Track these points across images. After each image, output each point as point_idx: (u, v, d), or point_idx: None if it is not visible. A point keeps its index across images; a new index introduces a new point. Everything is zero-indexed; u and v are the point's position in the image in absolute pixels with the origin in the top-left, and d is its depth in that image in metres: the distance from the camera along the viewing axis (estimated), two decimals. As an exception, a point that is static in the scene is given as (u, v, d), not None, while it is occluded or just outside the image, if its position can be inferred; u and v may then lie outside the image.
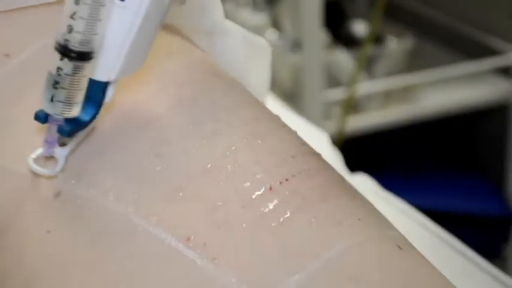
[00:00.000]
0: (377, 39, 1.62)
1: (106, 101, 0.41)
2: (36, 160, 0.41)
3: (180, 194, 0.40)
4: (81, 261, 0.40)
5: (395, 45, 1.65)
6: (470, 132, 1.76)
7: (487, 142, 1.72)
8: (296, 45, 1.56)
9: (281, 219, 0.39)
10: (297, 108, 1.42)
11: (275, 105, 0.62)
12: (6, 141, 0.43)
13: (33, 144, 0.42)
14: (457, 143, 1.79)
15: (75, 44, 0.39)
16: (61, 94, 0.39)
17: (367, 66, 1.61)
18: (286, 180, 0.41)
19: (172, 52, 0.48)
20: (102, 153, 0.42)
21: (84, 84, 0.40)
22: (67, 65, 0.39)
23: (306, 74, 1.53)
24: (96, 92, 0.41)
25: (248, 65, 0.54)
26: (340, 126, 1.54)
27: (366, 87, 1.58)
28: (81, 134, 0.42)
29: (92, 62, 0.39)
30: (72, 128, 0.41)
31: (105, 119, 0.43)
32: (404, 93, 1.61)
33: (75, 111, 0.40)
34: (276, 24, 1.65)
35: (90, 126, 0.42)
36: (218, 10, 0.51)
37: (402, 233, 0.43)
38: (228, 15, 0.51)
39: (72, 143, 0.42)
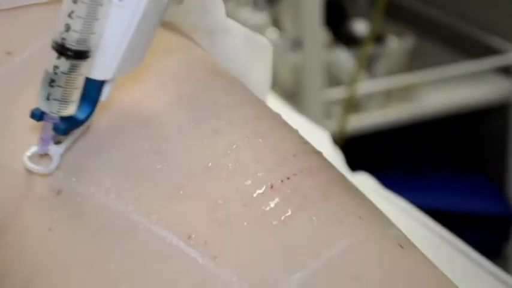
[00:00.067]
0: (377, 38, 1.62)
1: (102, 99, 0.41)
2: (31, 158, 0.41)
3: (181, 192, 0.40)
4: (82, 259, 0.40)
5: (396, 44, 1.65)
6: (471, 132, 1.76)
7: (488, 141, 1.72)
8: (296, 44, 1.56)
9: (282, 217, 0.39)
10: (298, 108, 1.42)
11: (276, 104, 0.62)
12: (5, 139, 0.43)
13: (32, 142, 0.42)
14: (457, 142, 1.79)
15: (72, 43, 0.39)
16: (57, 92, 0.39)
17: (368, 66, 1.61)
18: (288, 178, 0.41)
19: (171, 50, 0.48)
20: (101, 151, 0.42)
21: (80, 83, 0.40)
22: (64, 64, 0.39)
23: (306, 73, 1.53)
24: (92, 91, 0.41)
25: (249, 63, 0.54)
26: (340, 125, 1.54)
27: (366, 86, 1.58)
28: (76, 132, 0.42)
29: (89, 60, 0.39)
30: (67, 126, 0.41)
31: (103, 117, 0.43)
32: (404, 93, 1.61)
33: (70, 110, 0.40)
34: (276, 23, 1.65)
35: (85, 125, 0.42)
36: (220, 9, 0.51)
37: (403, 232, 0.43)
38: (228, 14, 0.51)
39: (67, 141, 0.42)
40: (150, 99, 0.44)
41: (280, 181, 0.41)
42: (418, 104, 1.61)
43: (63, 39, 0.39)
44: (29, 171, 0.42)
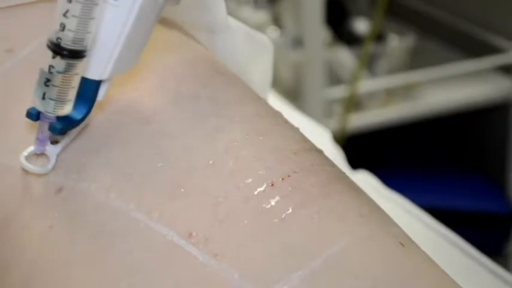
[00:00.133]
0: (378, 37, 1.62)
1: (98, 99, 0.41)
2: (28, 157, 0.41)
3: (182, 189, 0.40)
4: (82, 257, 0.40)
5: (397, 43, 1.65)
6: (472, 130, 1.76)
7: (489, 140, 1.72)
8: (297, 43, 1.56)
9: (283, 215, 0.39)
10: (298, 106, 1.42)
11: (277, 103, 0.62)
12: (6, 137, 0.43)
13: (32, 141, 0.42)
14: (458, 141, 1.79)
15: (67, 42, 0.38)
16: (53, 92, 0.39)
17: (369, 64, 1.61)
18: (288, 176, 0.41)
19: (172, 47, 0.48)
20: (102, 149, 0.42)
21: (76, 82, 0.40)
22: (59, 63, 0.39)
23: (307, 72, 1.53)
24: (88, 90, 0.40)
25: (250, 62, 0.54)
26: (341, 124, 1.54)
27: (367, 85, 1.58)
28: (73, 132, 0.42)
29: (85, 60, 0.39)
30: (63, 126, 0.41)
31: (103, 115, 0.43)
32: (405, 91, 1.61)
33: (67, 109, 0.40)
34: (277, 21, 1.65)
35: (82, 124, 0.42)
36: (221, 7, 0.51)
37: (404, 230, 0.43)
38: (229, 13, 0.51)
39: (64, 141, 0.42)
40: (150, 97, 0.44)
41: (281, 179, 0.41)
42: (418, 103, 1.61)
43: (59, 38, 0.38)
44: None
